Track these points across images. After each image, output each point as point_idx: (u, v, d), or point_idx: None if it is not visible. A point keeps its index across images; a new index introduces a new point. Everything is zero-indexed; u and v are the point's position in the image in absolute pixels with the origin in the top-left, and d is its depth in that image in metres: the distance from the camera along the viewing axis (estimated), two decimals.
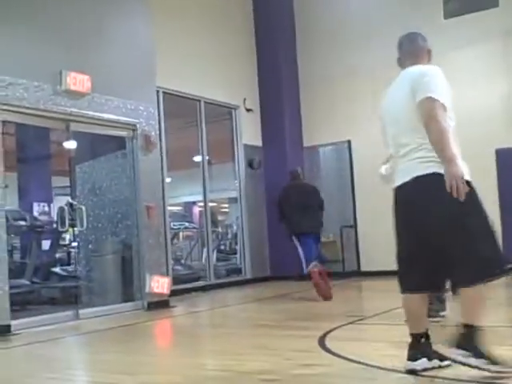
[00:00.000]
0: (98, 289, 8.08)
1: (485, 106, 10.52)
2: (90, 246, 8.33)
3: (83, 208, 7.38)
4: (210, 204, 12.03)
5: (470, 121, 10.54)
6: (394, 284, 8.24)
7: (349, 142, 11.80)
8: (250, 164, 11.37)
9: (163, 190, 9.08)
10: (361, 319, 6.11)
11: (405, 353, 3.61)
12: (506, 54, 10.40)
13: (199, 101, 10.67)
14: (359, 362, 3.97)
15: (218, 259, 13.03)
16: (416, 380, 3.49)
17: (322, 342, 4.76)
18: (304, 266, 8.44)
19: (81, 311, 7.23)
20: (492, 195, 10.37)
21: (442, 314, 5.38)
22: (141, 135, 8.03)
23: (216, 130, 11.78)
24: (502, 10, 10.42)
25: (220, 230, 15.40)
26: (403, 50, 3.86)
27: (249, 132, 11.70)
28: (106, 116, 7.59)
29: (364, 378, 3.65)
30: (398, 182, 3.63)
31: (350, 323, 5.75)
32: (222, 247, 14.70)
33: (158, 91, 9.15)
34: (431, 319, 5.09)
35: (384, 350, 4.56)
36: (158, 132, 8.51)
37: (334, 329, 5.38)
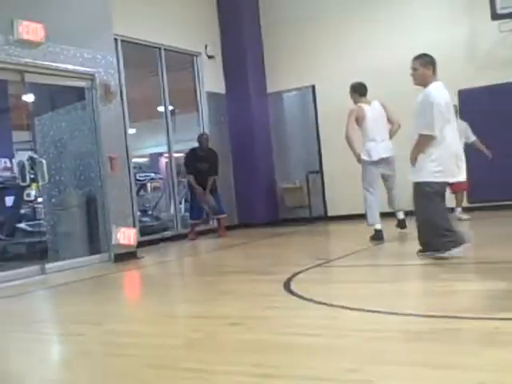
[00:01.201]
0: (64, 243, 8.03)
1: (448, 46, 10.50)
2: (53, 200, 8.23)
3: (43, 161, 7.25)
4: (177, 155, 11.94)
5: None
6: (359, 227, 8.43)
7: (313, 86, 11.74)
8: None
9: (126, 141, 8.95)
10: (326, 262, 6.19)
11: (366, 292, 3.69)
12: None
13: (159, 48, 10.46)
14: (322, 303, 4.03)
15: (186, 209, 13.00)
16: (376, 317, 3.58)
17: (287, 285, 4.82)
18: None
19: (47, 265, 7.19)
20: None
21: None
22: (100, 85, 7.85)
23: (178, 79, 11.59)
24: None
25: (186, 181, 15.33)
26: None
27: (211, 79, 11.55)
28: (62, 66, 7.38)
29: (326, 316, 3.72)
30: None
31: (316, 266, 5.83)
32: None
33: (116, 39, 8.92)
34: None
35: (347, 290, 4.65)
36: (117, 81, 8.33)
37: (300, 272, 5.45)
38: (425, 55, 5.96)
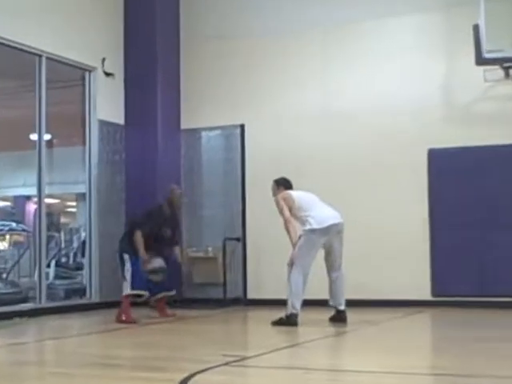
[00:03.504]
0: None
1: (420, 95, 10.88)
2: None
3: None
4: (51, 200, 11.74)
5: (400, 113, 10.96)
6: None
7: (242, 126, 11.88)
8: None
9: None
10: (239, 359, 6.12)
11: None
12: (448, 30, 10.80)
13: (40, 56, 10.39)
14: None
15: (57, 276, 12.75)
16: None
17: None
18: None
19: None
20: (420, 203, 10.73)
21: None
22: None
23: (62, 99, 11.53)
24: None
25: (63, 236, 15.06)
26: None
27: (107, 104, 11.53)
28: None
29: None
30: None
31: (225, 364, 5.75)
32: (64, 259, 14.37)
33: None
34: None
35: None
36: None
37: (202, 371, 5.35)
38: None
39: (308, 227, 8.42)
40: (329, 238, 8.45)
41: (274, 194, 8.89)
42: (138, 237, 9.37)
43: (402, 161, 10.79)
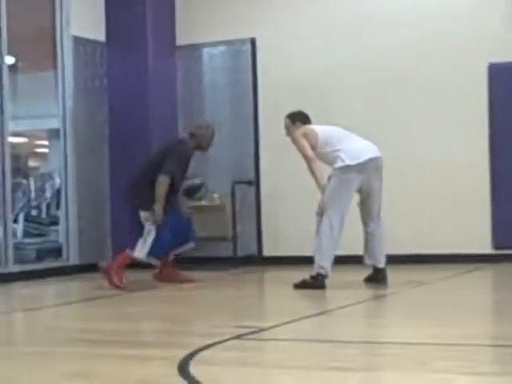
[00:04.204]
0: None
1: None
2: None
3: None
4: (16, 139, 11.77)
5: (451, 17, 10.85)
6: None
7: (252, 40, 11.87)
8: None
9: None
10: (254, 331, 6.20)
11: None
12: None
13: None
14: None
15: (27, 233, 12.88)
16: None
17: (184, 366, 4.78)
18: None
19: None
20: (478, 133, 10.70)
21: None
22: None
23: (27, 12, 11.47)
24: None
25: (32, 183, 15.16)
26: None
27: (83, 17, 11.56)
28: None
29: None
30: None
31: (236, 338, 5.81)
32: (35, 213, 14.48)
33: None
34: None
35: (274, 379, 4.67)
36: None
37: (209, 346, 5.41)
38: None
39: (340, 164, 8.43)
40: (367, 177, 8.51)
41: (289, 133, 8.90)
42: (163, 185, 9.26)
43: (455, 78, 10.76)
